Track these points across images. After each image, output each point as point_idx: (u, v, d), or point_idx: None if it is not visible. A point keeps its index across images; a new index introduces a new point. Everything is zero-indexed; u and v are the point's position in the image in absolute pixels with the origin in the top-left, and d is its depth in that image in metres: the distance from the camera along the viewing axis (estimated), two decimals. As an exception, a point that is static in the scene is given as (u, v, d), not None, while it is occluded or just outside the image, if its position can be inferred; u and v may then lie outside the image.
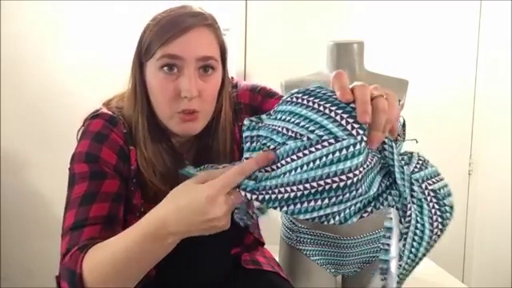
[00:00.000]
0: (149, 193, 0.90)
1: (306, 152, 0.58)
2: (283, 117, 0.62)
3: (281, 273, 1.15)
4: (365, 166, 0.58)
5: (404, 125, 1.45)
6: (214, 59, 0.87)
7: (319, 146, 0.57)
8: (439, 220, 0.61)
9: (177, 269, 1.04)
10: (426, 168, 0.63)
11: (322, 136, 0.57)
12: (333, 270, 1.41)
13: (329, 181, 0.57)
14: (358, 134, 0.57)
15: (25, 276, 1.84)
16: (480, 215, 2.23)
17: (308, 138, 0.58)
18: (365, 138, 0.57)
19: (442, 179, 0.63)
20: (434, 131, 2.12)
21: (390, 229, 0.61)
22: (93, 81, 1.78)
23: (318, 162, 0.57)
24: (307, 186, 0.58)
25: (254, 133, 0.66)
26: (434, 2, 2.05)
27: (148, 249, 0.70)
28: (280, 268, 1.17)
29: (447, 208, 0.61)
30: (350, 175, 0.56)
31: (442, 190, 0.62)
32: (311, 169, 0.58)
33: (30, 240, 1.83)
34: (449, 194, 0.63)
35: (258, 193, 0.62)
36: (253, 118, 0.67)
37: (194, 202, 0.67)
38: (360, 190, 0.58)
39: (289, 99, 0.63)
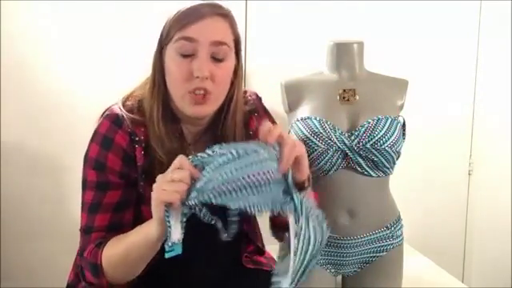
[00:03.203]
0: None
1: (254, 155, 0.80)
2: (228, 147, 0.82)
3: (281, 273, 1.15)
4: (274, 173, 0.82)
5: (404, 124, 1.46)
6: (226, 45, 0.96)
7: (246, 156, 0.80)
8: (318, 238, 0.83)
9: (177, 269, 1.05)
10: (308, 200, 0.87)
11: (261, 148, 0.82)
12: (333, 270, 1.41)
13: (252, 178, 0.79)
14: (274, 148, 0.83)
15: (25, 276, 1.84)
16: (480, 215, 2.23)
17: (255, 150, 0.81)
18: (276, 154, 0.83)
19: (318, 211, 0.88)
20: (434, 131, 2.12)
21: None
22: (95, 80, 1.78)
23: (261, 162, 0.80)
24: (239, 183, 0.79)
25: (195, 163, 0.83)
26: (434, 2, 2.05)
27: (140, 243, 0.88)
28: (280, 268, 1.17)
29: (324, 230, 0.85)
30: (268, 175, 0.81)
31: (319, 217, 0.86)
32: (241, 169, 0.79)
33: (30, 240, 1.83)
34: (323, 221, 0.87)
35: (200, 196, 0.80)
36: (195, 154, 0.84)
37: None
38: (270, 191, 0.82)
39: (231, 144, 0.84)
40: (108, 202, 0.97)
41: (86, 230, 0.98)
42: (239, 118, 1.05)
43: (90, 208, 0.97)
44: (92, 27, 1.77)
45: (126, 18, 1.78)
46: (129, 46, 1.78)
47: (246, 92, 1.14)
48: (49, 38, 1.76)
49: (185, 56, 0.94)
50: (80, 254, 0.97)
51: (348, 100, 1.37)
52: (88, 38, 1.78)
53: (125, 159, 0.98)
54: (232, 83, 1.02)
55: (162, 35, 0.97)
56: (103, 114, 1.02)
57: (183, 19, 0.93)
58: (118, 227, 0.97)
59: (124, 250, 0.90)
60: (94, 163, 0.97)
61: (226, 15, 0.97)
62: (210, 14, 0.94)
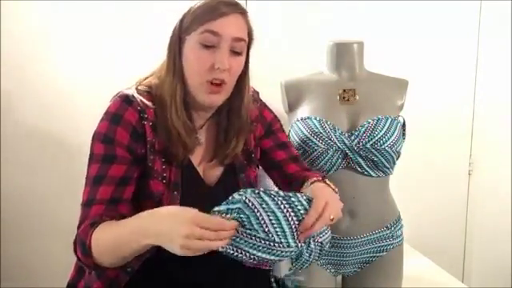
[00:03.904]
0: (176, 153, 1.04)
1: (270, 244, 0.90)
2: (266, 210, 0.90)
3: (280, 273, 1.16)
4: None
5: (404, 125, 1.46)
6: (244, 41, 1.04)
7: (277, 246, 0.90)
8: (317, 256, 0.99)
9: (177, 269, 1.05)
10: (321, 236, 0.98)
11: (281, 241, 0.91)
12: (333, 270, 1.41)
13: (272, 261, 0.93)
14: (300, 246, 0.94)
15: (25, 276, 1.84)
16: (480, 215, 2.23)
17: (274, 240, 0.90)
18: (300, 247, 0.94)
19: (326, 231, 1.00)
20: (434, 131, 2.12)
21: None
22: (95, 79, 1.78)
23: (273, 251, 0.90)
24: (256, 258, 0.90)
25: (236, 205, 0.90)
26: (434, 2, 2.05)
27: (130, 244, 0.91)
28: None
29: (325, 250, 1.00)
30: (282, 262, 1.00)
31: (325, 241, 0.99)
32: (268, 253, 0.90)
33: (29, 240, 1.83)
34: (328, 241, 1.01)
35: (226, 247, 0.89)
36: (240, 192, 0.92)
37: (180, 215, 0.87)
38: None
39: (275, 199, 0.92)
40: (112, 175, 1.00)
41: (86, 204, 1.00)
42: (248, 110, 1.13)
43: (94, 180, 1.00)
44: (92, 27, 1.77)
45: (126, 18, 1.78)
46: (129, 46, 1.78)
47: None
48: (49, 38, 1.76)
49: (207, 47, 1.00)
50: (77, 227, 1.00)
51: (348, 100, 1.37)
52: (88, 38, 1.78)
53: (133, 135, 1.01)
54: (242, 76, 1.09)
55: (181, 26, 1.04)
56: (114, 96, 1.06)
57: (208, 14, 1.01)
58: (118, 202, 1.00)
59: (113, 240, 0.92)
60: (102, 137, 1.01)
61: (244, 13, 1.05)
62: (232, 11, 1.02)
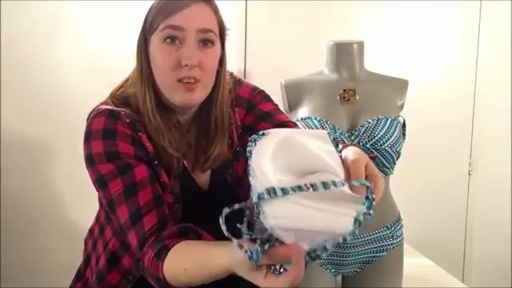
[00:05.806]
0: (171, 166, 0.95)
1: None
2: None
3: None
4: None
5: (404, 125, 1.46)
6: (213, 32, 0.94)
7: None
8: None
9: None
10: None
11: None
12: (333, 270, 1.41)
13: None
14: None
15: (25, 276, 1.84)
16: (480, 215, 2.23)
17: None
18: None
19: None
20: (434, 131, 2.12)
21: None
22: (95, 79, 1.77)
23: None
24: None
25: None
26: (434, 2, 2.05)
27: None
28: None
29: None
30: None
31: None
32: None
33: (29, 240, 1.83)
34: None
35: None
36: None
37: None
38: None
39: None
40: (141, 178, 0.89)
41: (134, 220, 0.87)
42: (226, 107, 1.03)
43: (125, 195, 0.88)
44: (93, 27, 1.77)
45: (128, 16, 1.78)
46: (130, 46, 1.78)
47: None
48: (49, 38, 1.76)
49: (171, 44, 0.91)
50: (138, 248, 0.87)
51: (348, 100, 1.37)
52: (88, 38, 1.78)
53: (134, 143, 0.92)
54: (218, 72, 0.99)
55: (145, 25, 0.95)
56: (90, 115, 0.95)
57: (167, 8, 0.91)
58: (161, 201, 0.90)
59: (199, 274, 0.79)
60: (104, 156, 0.89)
61: (209, 1, 0.95)
62: (194, 1, 0.92)
